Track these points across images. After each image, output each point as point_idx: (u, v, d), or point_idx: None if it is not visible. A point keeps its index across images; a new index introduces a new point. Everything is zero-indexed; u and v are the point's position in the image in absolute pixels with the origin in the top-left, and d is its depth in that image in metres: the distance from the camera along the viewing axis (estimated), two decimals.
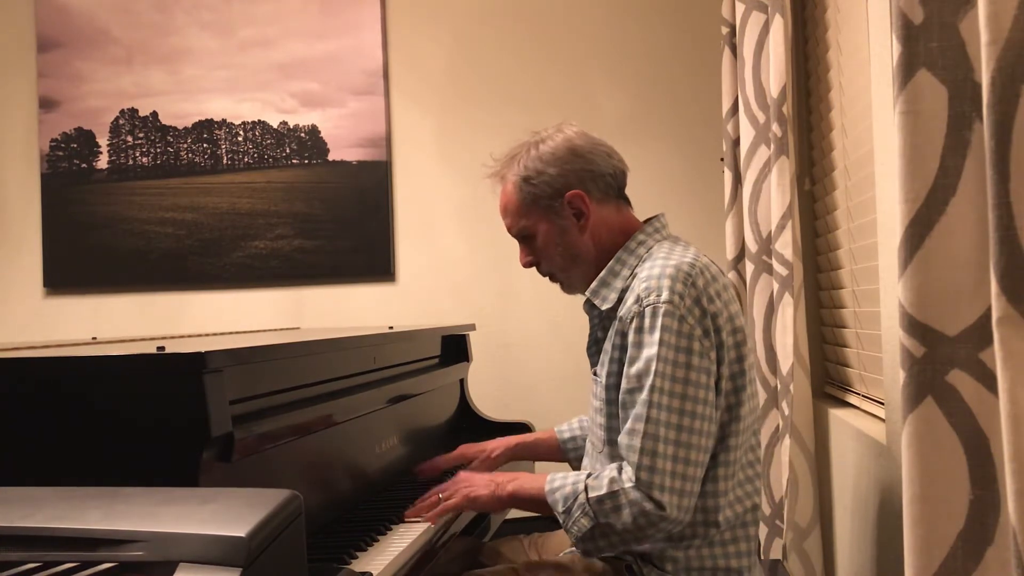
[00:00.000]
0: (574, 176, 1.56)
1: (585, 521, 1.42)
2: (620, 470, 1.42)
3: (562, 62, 3.22)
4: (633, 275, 1.53)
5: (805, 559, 2.05)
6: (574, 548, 1.51)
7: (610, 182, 1.58)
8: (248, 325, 3.29)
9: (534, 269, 1.66)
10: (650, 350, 1.41)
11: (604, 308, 1.54)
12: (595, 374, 1.58)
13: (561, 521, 1.46)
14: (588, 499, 1.42)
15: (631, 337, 1.44)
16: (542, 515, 1.64)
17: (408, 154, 3.31)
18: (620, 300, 1.52)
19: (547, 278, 1.66)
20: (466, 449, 1.94)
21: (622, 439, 1.43)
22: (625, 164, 1.62)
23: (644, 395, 1.41)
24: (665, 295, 1.42)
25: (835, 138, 2.19)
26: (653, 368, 1.40)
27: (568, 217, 1.56)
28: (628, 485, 1.40)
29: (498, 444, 1.95)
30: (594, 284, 1.57)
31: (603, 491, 1.41)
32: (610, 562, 1.53)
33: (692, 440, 1.41)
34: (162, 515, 0.85)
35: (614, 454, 1.51)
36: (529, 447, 1.97)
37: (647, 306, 1.43)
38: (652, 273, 1.46)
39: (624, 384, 1.45)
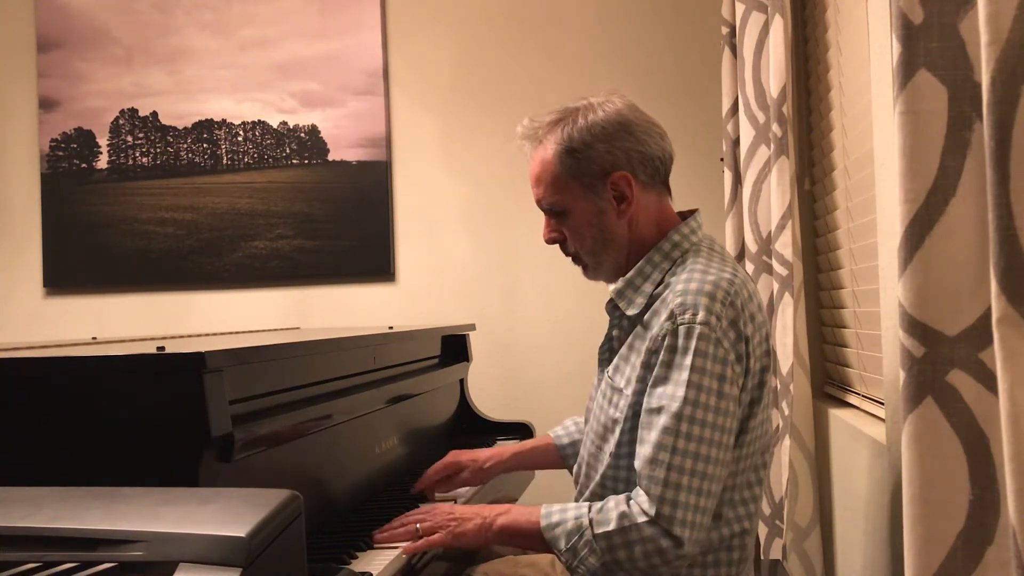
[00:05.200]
0: (623, 155, 1.41)
1: (593, 560, 1.31)
2: (629, 502, 1.32)
3: (562, 61, 3.22)
4: (664, 282, 1.42)
5: (805, 559, 2.05)
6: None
7: (658, 167, 1.45)
8: (248, 325, 3.29)
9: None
10: (682, 374, 1.31)
11: (630, 313, 1.43)
12: (609, 377, 1.46)
13: (564, 560, 1.34)
14: (595, 535, 1.31)
15: (662, 356, 1.33)
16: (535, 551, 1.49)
17: (408, 154, 3.31)
18: (648, 307, 1.41)
19: (570, 259, 1.53)
20: (457, 455, 1.79)
21: (642, 468, 1.31)
22: (674, 149, 1.48)
23: (671, 422, 1.30)
24: (702, 315, 1.31)
25: (835, 138, 2.19)
26: (683, 395, 1.30)
27: (608, 199, 1.43)
28: (642, 520, 1.29)
29: (491, 455, 1.80)
30: (619, 284, 1.45)
31: (611, 526, 1.30)
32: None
33: (716, 472, 1.31)
34: (162, 515, 0.85)
35: (631, 467, 1.39)
36: (526, 456, 1.83)
37: (681, 324, 1.32)
38: (689, 288, 1.35)
39: (648, 403, 1.34)
